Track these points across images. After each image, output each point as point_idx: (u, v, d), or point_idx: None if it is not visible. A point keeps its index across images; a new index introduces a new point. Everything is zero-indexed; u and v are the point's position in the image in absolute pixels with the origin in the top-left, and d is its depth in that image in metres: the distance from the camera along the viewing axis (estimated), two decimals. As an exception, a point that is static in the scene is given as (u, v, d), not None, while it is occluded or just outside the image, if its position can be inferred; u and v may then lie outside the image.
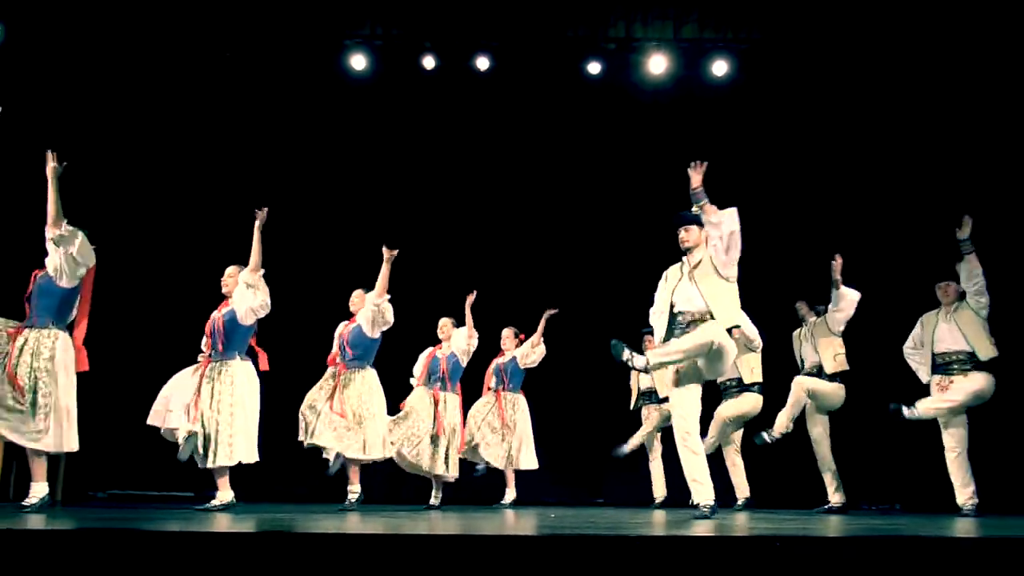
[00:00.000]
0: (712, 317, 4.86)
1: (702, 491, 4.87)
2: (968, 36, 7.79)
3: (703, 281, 4.94)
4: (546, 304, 7.58)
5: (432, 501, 6.88)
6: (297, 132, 8.74)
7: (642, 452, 8.07)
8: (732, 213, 4.95)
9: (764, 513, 6.40)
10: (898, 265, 7.44)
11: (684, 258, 5.11)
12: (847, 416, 7.08)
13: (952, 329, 6.46)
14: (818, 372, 7.04)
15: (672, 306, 5.06)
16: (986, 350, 6.33)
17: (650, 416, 7.96)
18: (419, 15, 8.32)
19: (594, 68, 8.48)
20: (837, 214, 8.19)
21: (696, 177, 5.07)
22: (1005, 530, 4.02)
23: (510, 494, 7.45)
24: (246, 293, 5.43)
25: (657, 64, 8.37)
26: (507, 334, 7.68)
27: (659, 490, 7.98)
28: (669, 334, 5.01)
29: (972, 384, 6.27)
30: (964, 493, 6.30)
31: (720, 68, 8.40)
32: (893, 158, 8.35)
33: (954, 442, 6.34)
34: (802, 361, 7.23)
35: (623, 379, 8.35)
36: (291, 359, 6.56)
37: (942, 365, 6.49)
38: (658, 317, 5.15)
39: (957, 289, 6.54)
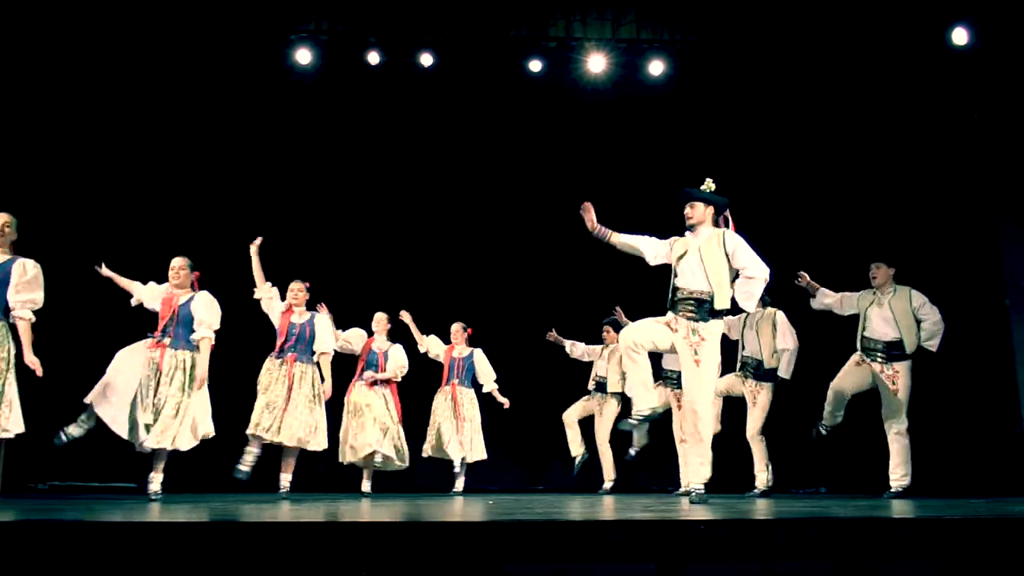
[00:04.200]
0: (712, 300, 4.88)
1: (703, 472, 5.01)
2: (898, 33, 8.00)
3: (709, 259, 4.92)
4: (487, 298, 7.77)
5: (364, 488, 7.03)
6: (242, 126, 8.72)
7: (590, 437, 8.20)
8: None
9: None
10: (838, 263, 7.52)
11: (688, 234, 5.12)
12: (779, 403, 7.21)
13: (884, 315, 6.38)
14: (756, 366, 7.11)
15: (675, 275, 5.02)
16: (913, 342, 6.38)
17: (607, 405, 8.05)
18: (364, 11, 8.35)
19: (535, 66, 8.61)
20: (776, 212, 8.36)
21: (588, 220, 5.25)
22: (938, 511, 4.10)
23: (460, 483, 7.61)
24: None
25: (596, 63, 8.54)
26: (456, 329, 7.84)
27: (608, 474, 8.13)
28: (673, 304, 5.04)
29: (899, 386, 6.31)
30: (898, 472, 6.30)
31: (657, 68, 8.57)
32: (829, 155, 8.55)
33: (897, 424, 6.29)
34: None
35: (565, 367, 8.51)
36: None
37: (869, 349, 6.45)
38: (651, 242, 5.23)
39: (888, 272, 6.46)
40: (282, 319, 6.45)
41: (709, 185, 5.28)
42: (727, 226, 5.20)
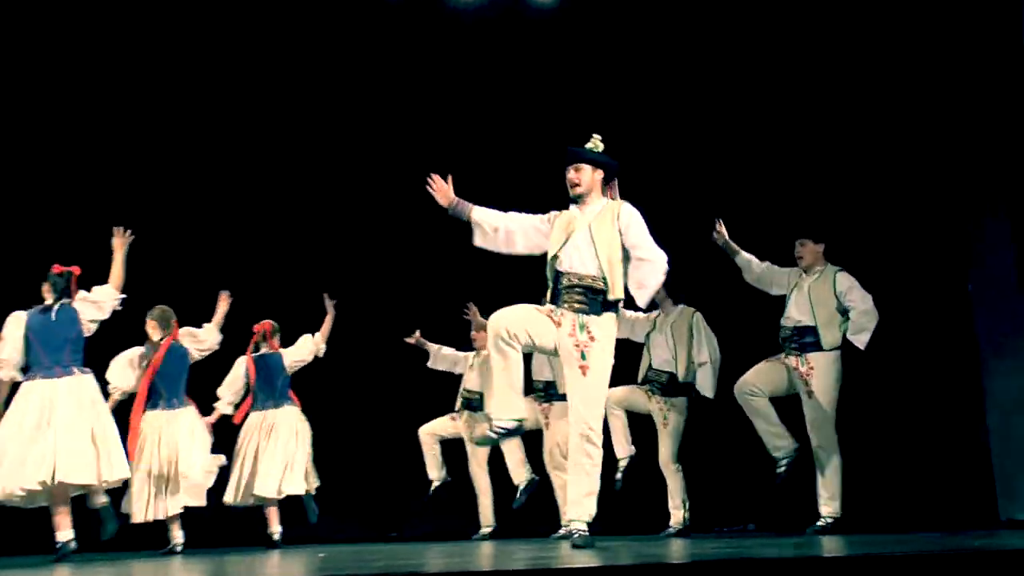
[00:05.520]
0: (605, 286, 4.17)
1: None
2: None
3: (602, 237, 4.21)
4: (316, 283, 6.49)
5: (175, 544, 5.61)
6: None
7: (461, 473, 6.79)
8: None
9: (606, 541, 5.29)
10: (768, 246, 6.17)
11: (573, 207, 4.33)
12: (694, 432, 6.11)
13: (801, 299, 5.47)
14: (667, 379, 5.99)
15: (556, 260, 4.26)
16: (833, 335, 5.40)
17: (479, 427, 6.62)
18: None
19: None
20: (691, 185, 7.03)
21: (440, 195, 4.40)
22: (881, 547, 3.63)
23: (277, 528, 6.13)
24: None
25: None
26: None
27: (485, 516, 6.71)
28: (556, 293, 4.27)
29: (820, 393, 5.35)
30: (822, 498, 5.39)
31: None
32: (759, 110, 7.05)
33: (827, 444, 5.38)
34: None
35: (422, 385, 7.10)
36: None
37: (783, 337, 5.54)
38: (520, 222, 4.43)
39: (816, 250, 5.54)
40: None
41: (596, 143, 4.42)
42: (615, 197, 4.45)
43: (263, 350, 6.28)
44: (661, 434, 5.99)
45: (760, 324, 5.89)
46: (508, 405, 4.16)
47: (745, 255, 5.76)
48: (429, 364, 7.01)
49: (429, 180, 4.40)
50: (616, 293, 4.21)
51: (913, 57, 6.49)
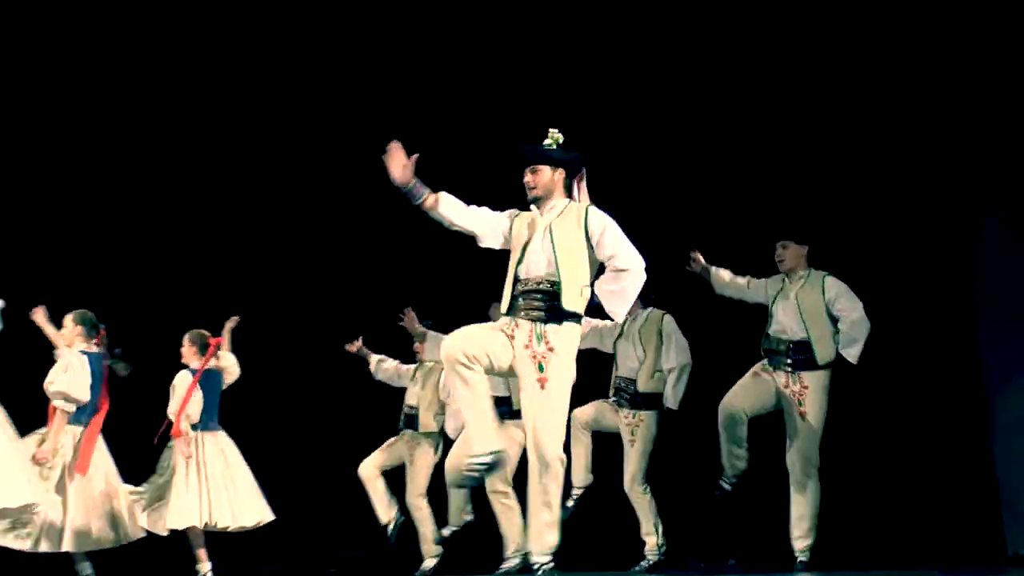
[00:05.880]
0: (560, 292, 3.79)
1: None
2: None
3: (563, 242, 3.86)
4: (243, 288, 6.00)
5: None
6: None
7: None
8: None
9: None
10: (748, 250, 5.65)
11: (533, 208, 4.00)
12: (671, 439, 5.60)
13: (790, 308, 4.99)
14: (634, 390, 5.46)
15: (515, 267, 3.91)
16: (828, 348, 4.92)
17: (420, 449, 6.05)
18: None
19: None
20: (669, 181, 6.45)
21: (397, 169, 3.81)
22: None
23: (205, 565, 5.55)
24: None
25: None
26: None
27: (427, 546, 6.04)
28: (511, 300, 3.90)
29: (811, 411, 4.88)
30: (800, 529, 4.91)
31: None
32: (746, 96, 6.43)
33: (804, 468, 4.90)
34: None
35: (363, 399, 6.57)
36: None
37: (772, 353, 5.04)
38: (486, 218, 4.00)
39: (799, 252, 5.05)
40: None
41: (555, 138, 4.04)
42: (581, 197, 4.08)
43: (211, 365, 5.80)
44: (627, 452, 5.46)
45: (736, 327, 5.44)
46: (483, 438, 3.74)
47: (721, 272, 5.31)
48: (373, 373, 6.47)
49: (389, 150, 3.82)
50: (573, 302, 3.82)
51: (909, 47, 5.98)
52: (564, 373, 3.79)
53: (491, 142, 6.07)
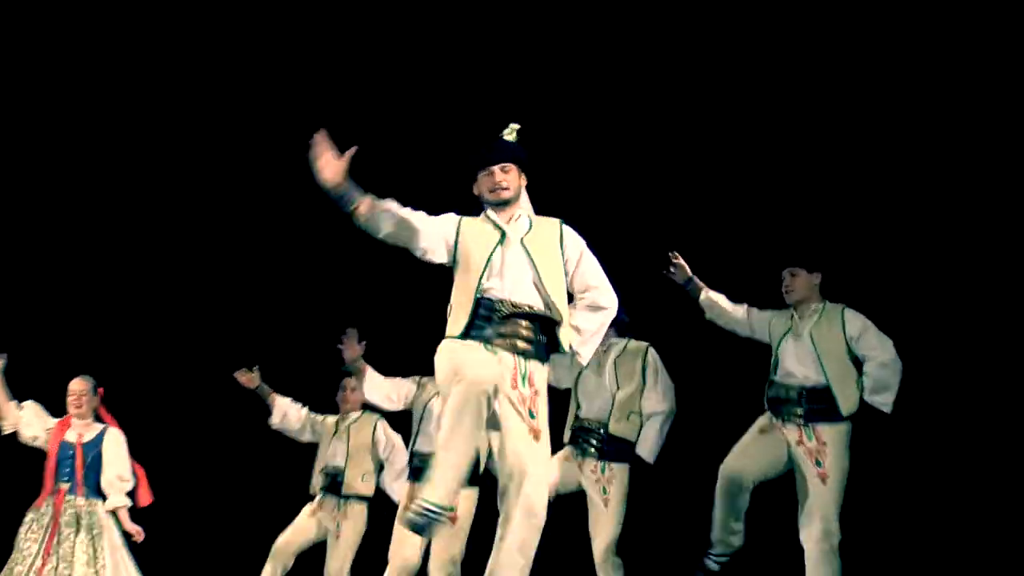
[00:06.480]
0: (559, 320, 3.37)
1: None
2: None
3: (541, 259, 3.40)
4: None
5: None
6: None
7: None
8: None
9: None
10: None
11: (491, 213, 3.48)
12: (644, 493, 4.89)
13: (802, 349, 4.38)
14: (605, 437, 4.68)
15: (481, 285, 3.35)
16: (851, 395, 4.27)
17: (347, 520, 5.22)
18: None
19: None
20: (645, 186, 5.96)
21: (325, 166, 3.21)
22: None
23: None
24: None
25: None
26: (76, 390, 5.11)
27: None
28: (476, 327, 3.32)
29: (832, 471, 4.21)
30: None
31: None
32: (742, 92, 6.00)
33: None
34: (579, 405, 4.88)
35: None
36: None
37: (780, 403, 4.39)
38: (426, 225, 3.39)
39: (810, 281, 4.44)
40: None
41: (513, 134, 3.59)
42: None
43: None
44: (598, 515, 4.62)
45: (728, 364, 4.90)
46: (447, 490, 3.15)
47: (713, 295, 4.67)
48: (272, 422, 5.50)
49: (315, 141, 3.25)
50: (566, 336, 3.39)
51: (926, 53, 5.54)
52: (545, 418, 3.34)
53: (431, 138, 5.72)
